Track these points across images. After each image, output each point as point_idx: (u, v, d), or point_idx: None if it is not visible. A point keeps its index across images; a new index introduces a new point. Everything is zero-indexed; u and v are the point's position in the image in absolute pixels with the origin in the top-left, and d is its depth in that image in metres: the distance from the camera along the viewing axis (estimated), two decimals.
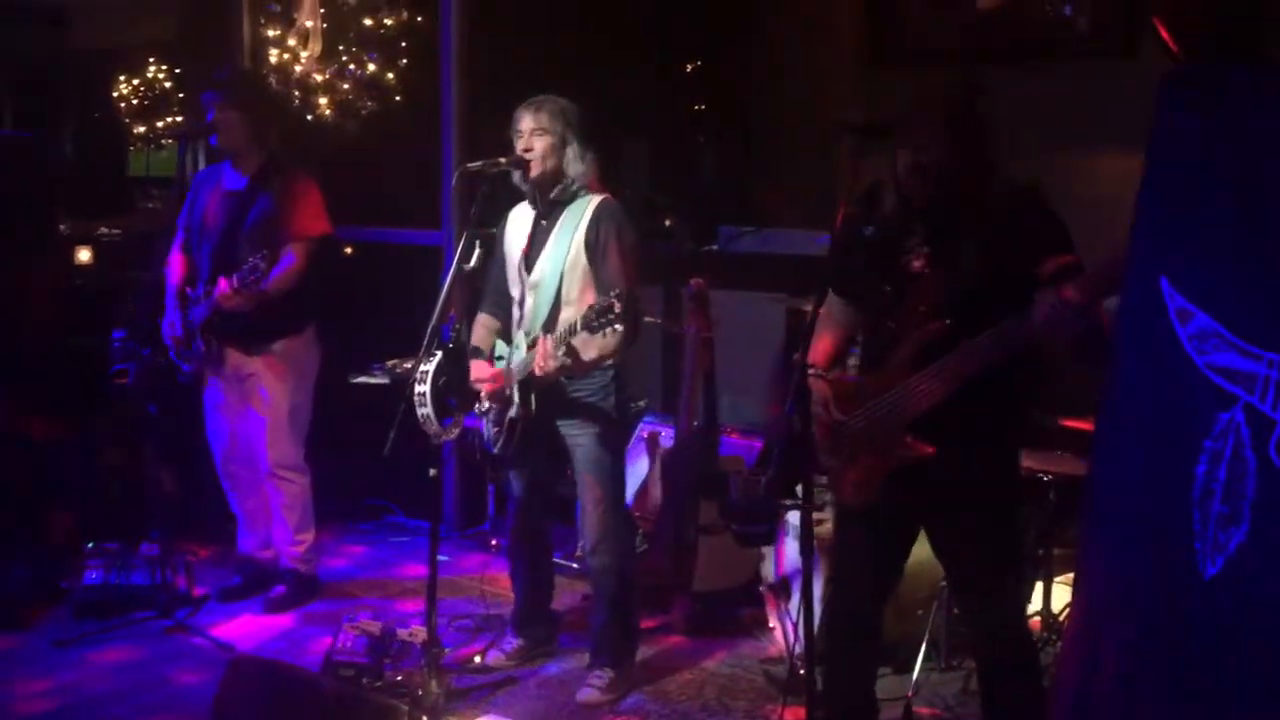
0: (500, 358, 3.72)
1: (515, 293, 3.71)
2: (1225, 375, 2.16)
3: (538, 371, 3.43)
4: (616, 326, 3.21)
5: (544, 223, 3.65)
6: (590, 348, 3.40)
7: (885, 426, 2.78)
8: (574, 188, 3.60)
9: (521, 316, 3.67)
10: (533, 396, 3.56)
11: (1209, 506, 2.17)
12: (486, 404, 3.68)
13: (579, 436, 3.64)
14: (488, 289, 3.81)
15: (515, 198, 3.78)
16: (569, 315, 3.52)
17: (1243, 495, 2.12)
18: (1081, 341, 2.57)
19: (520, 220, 3.75)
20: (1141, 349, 2.33)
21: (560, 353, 3.36)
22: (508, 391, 3.61)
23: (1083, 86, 4.71)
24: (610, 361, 3.56)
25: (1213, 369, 2.18)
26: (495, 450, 3.72)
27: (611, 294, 3.20)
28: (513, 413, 3.62)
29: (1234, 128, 2.21)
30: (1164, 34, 2.97)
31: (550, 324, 3.55)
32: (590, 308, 3.25)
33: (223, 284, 4.02)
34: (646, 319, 4.24)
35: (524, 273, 3.66)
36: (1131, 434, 2.36)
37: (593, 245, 3.55)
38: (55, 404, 4.85)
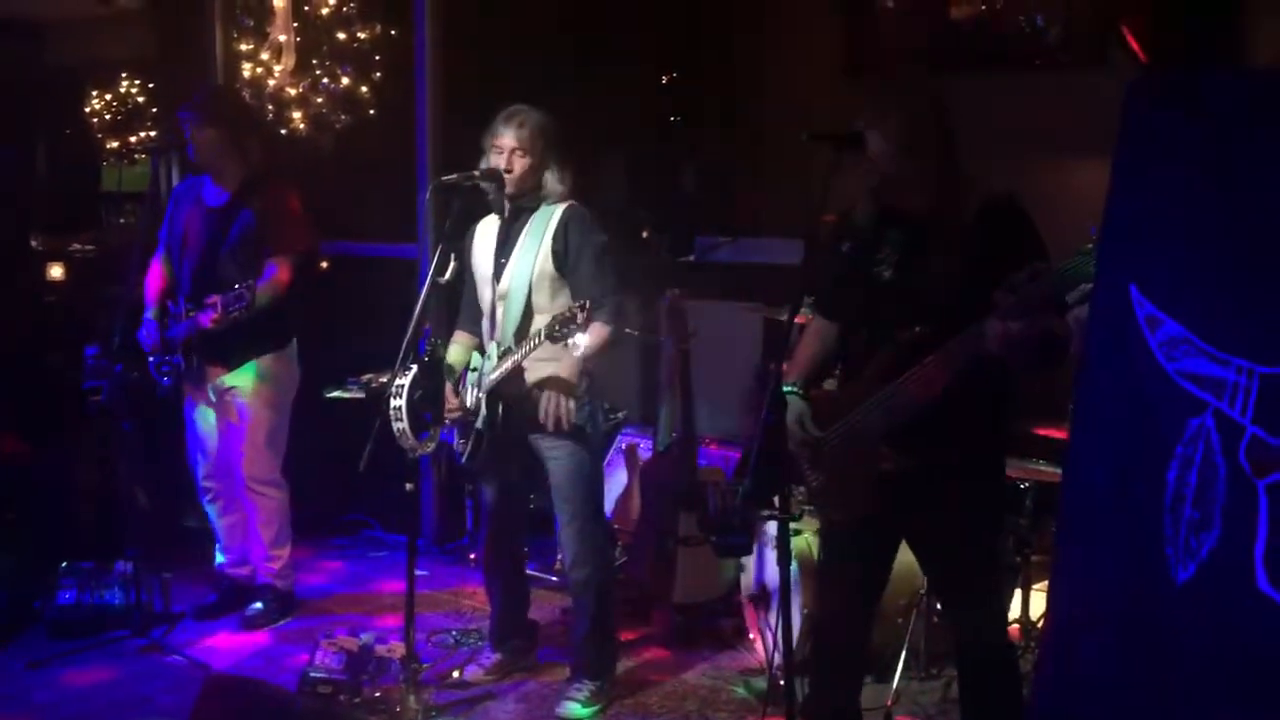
0: (474, 369, 3.71)
1: (486, 303, 3.70)
2: (1195, 381, 2.17)
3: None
4: (577, 338, 3.25)
5: (510, 227, 3.64)
6: (572, 356, 3.42)
7: (861, 438, 2.78)
8: (543, 194, 3.60)
9: (493, 327, 3.66)
10: (500, 407, 3.56)
11: (1180, 512, 2.18)
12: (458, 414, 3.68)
13: (553, 450, 3.63)
14: (464, 304, 3.81)
15: (491, 209, 3.77)
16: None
17: (1214, 500, 2.13)
18: (1036, 354, 2.57)
19: (487, 234, 3.73)
20: (1112, 356, 2.33)
21: (553, 392, 3.47)
22: (473, 403, 3.60)
23: (1055, 95, 4.74)
24: (592, 364, 3.56)
25: (1182, 375, 2.19)
26: (462, 461, 3.72)
27: (575, 304, 3.23)
28: (479, 424, 3.61)
29: (1202, 133, 2.21)
30: (1132, 42, 3.00)
31: (522, 333, 3.56)
32: (554, 318, 3.27)
33: (209, 313, 4.00)
34: (625, 330, 4.24)
35: (494, 282, 3.65)
36: (1104, 440, 2.37)
37: (561, 254, 3.54)
38: (27, 422, 4.80)
